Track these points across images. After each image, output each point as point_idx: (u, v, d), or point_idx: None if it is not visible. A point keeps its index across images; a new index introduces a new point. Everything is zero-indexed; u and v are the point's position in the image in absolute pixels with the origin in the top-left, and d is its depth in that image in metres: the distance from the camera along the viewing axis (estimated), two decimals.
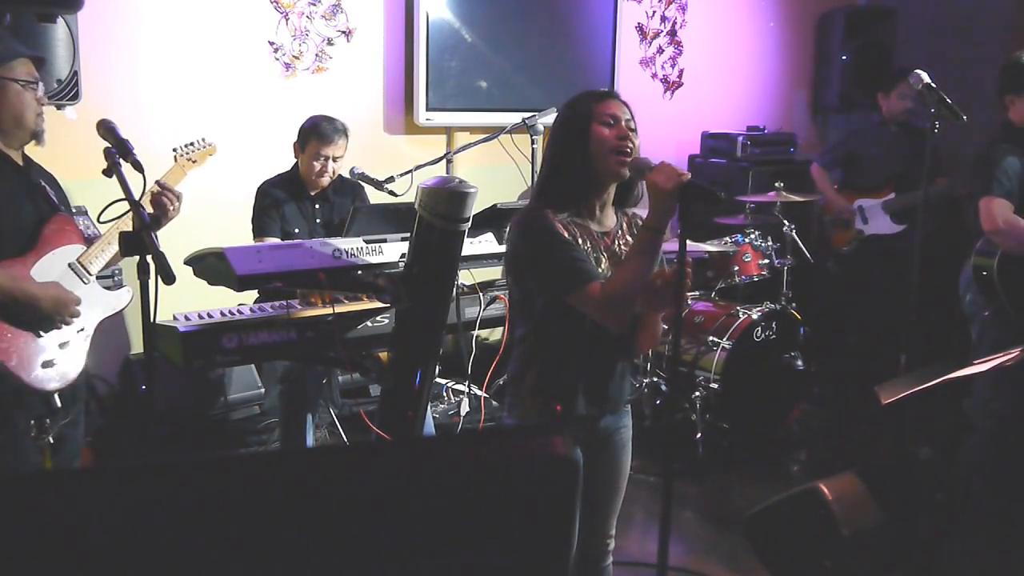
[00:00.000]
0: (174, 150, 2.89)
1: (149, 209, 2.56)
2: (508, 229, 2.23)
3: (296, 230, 3.50)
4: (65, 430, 2.53)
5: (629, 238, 2.19)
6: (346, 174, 3.70)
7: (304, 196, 3.58)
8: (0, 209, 2.37)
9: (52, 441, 2.47)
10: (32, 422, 2.41)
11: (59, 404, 2.46)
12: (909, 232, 4.83)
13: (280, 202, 3.52)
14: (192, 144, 2.93)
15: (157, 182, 2.63)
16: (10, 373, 2.32)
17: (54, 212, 2.53)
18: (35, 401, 2.42)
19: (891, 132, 4.92)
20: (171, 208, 2.60)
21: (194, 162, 2.91)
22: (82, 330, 2.51)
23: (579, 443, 2.15)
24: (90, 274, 2.54)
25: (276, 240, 3.42)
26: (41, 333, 2.40)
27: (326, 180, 3.55)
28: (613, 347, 2.15)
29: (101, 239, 2.57)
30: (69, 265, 2.50)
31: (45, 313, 2.39)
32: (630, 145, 2.06)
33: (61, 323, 2.44)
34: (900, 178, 4.84)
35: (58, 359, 2.44)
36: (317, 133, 3.49)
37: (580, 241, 2.07)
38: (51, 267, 2.46)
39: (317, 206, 3.59)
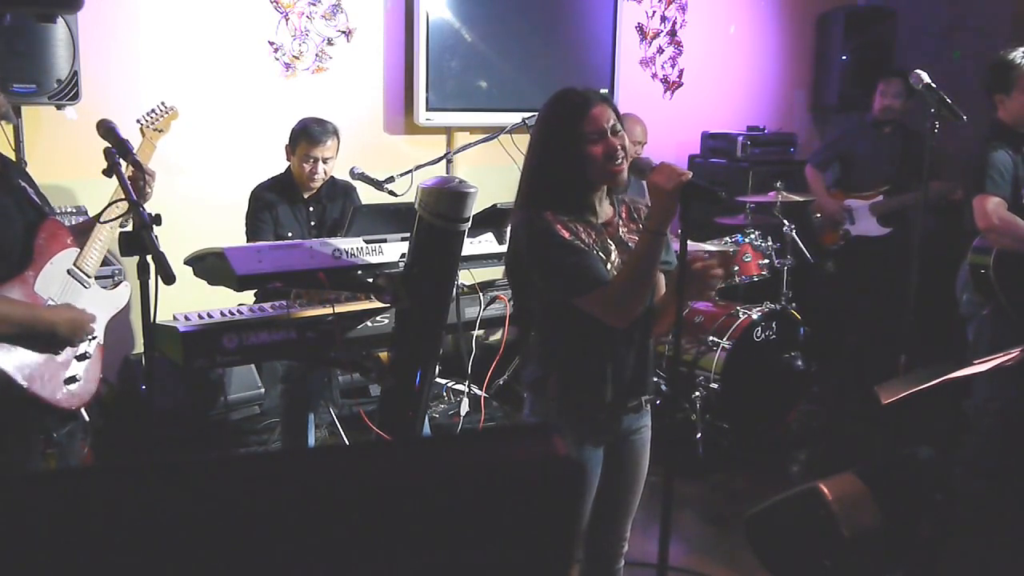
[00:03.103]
0: (138, 121, 2.78)
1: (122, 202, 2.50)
2: (509, 234, 2.23)
3: (289, 233, 3.51)
4: (63, 437, 2.51)
5: (631, 224, 2.19)
6: (346, 174, 3.70)
7: (297, 199, 3.58)
8: None
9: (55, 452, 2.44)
10: (42, 437, 2.37)
11: (87, 418, 2.42)
12: (895, 235, 4.84)
13: (273, 204, 3.53)
14: (153, 112, 2.82)
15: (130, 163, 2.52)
16: (36, 396, 2.27)
17: (41, 217, 2.40)
18: (53, 417, 2.36)
19: (883, 133, 4.93)
20: (148, 191, 2.46)
21: (160, 131, 2.79)
22: (94, 338, 2.46)
23: (600, 444, 2.18)
24: (89, 277, 2.47)
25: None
26: (59, 352, 2.35)
27: (318, 182, 3.56)
28: (632, 336, 2.15)
29: (91, 237, 2.49)
30: (68, 272, 2.42)
31: (64, 338, 2.32)
32: (620, 155, 2.06)
33: (79, 343, 2.38)
34: (891, 181, 4.84)
35: (80, 373, 2.40)
36: (306, 135, 3.49)
37: (584, 237, 2.07)
38: (52, 278, 2.37)
39: (311, 208, 3.60)
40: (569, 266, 2.03)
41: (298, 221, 3.56)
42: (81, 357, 2.41)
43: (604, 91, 2.19)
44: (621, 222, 2.19)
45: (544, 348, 2.18)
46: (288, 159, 3.60)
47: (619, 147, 2.05)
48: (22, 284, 2.30)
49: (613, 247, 2.12)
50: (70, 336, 2.33)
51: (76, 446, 2.61)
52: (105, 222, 2.47)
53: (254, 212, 3.53)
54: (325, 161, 3.53)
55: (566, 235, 2.04)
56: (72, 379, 2.37)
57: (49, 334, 2.29)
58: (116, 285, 2.70)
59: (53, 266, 2.38)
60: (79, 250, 2.47)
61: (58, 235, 2.44)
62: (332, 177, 3.62)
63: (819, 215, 5.11)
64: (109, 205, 2.37)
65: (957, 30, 5.84)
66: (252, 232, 3.51)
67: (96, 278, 2.55)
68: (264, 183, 3.60)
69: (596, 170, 2.05)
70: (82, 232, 2.52)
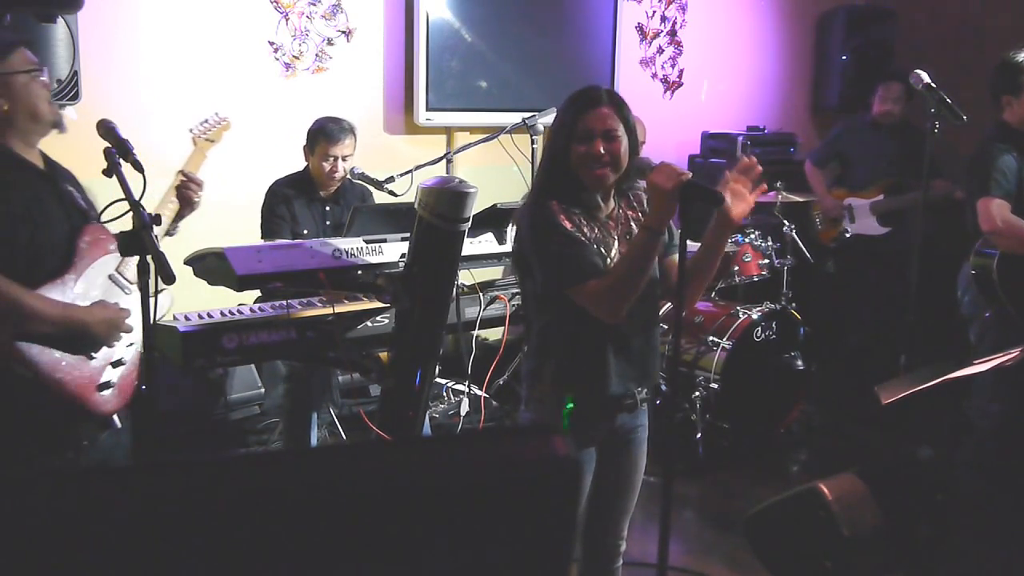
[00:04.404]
0: (190, 130, 2.82)
1: (172, 204, 2.53)
2: (515, 221, 2.25)
3: (305, 231, 3.51)
4: (111, 438, 2.48)
5: (630, 212, 2.20)
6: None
7: (314, 197, 3.60)
8: (34, 224, 2.23)
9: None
10: (73, 444, 2.35)
11: (119, 424, 2.39)
12: (895, 235, 4.83)
13: (290, 199, 3.54)
14: (207, 121, 2.85)
15: (181, 172, 2.58)
16: (68, 400, 2.25)
17: (85, 221, 2.38)
18: (89, 424, 2.34)
19: (882, 133, 4.92)
20: (196, 199, 2.54)
21: (212, 141, 2.82)
22: (131, 344, 2.43)
23: (593, 443, 2.18)
24: (131, 283, 2.41)
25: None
26: (93, 355, 2.32)
27: (338, 180, 3.58)
28: (632, 333, 2.15)
29: None
30: (109, 277, 2.39)
31: (98, 338, 2.30)
32: (605, 158, 2.06)
33: (115, 342, 2.35)
34: (891, 180, 4.84)
35: (115, 379, 2.37)
36: (324, 134, 3.52)
37: (587, 229, 2.09)
38: (93, 282, 2.34)
39: (327, 208, 3.61)
40: (565, 256, 2.04)
41: (314, 219, 3.58)
42: (116, 363, 2.38)
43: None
44: (622, 213, 2.19)
45: (541, 339, 2.19)
46: (306, 159, 3.62)
47: (603, 153, 2.06)
48: (62, 287, 2.27)
49: (615, 242, 2.13)
50: (105, 335, 2.31)
51: (118, 456, 2.58)
52: (105, 222, 2.45)
53: (271, 207, 3.54)
54: (344, 159, 3.55)
55: (568, 225, 2.06)
56: (106, 384, 2.35)
57: (82, 333, 2.26)
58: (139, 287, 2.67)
59: (94, 270, 2.35)
60: (121, 255, 2.44)
61: (101, 240, 2.40)
62: (349, 179, 3.63)
63: (818, 212, 5.11)
64: (109, 205, 2.36)
65: (957, 30, 5.84)
66: (268, 228, 3.52)
67: None
68: (282, 179, 3.62)
69: (579, 169, 2.08)
70: None
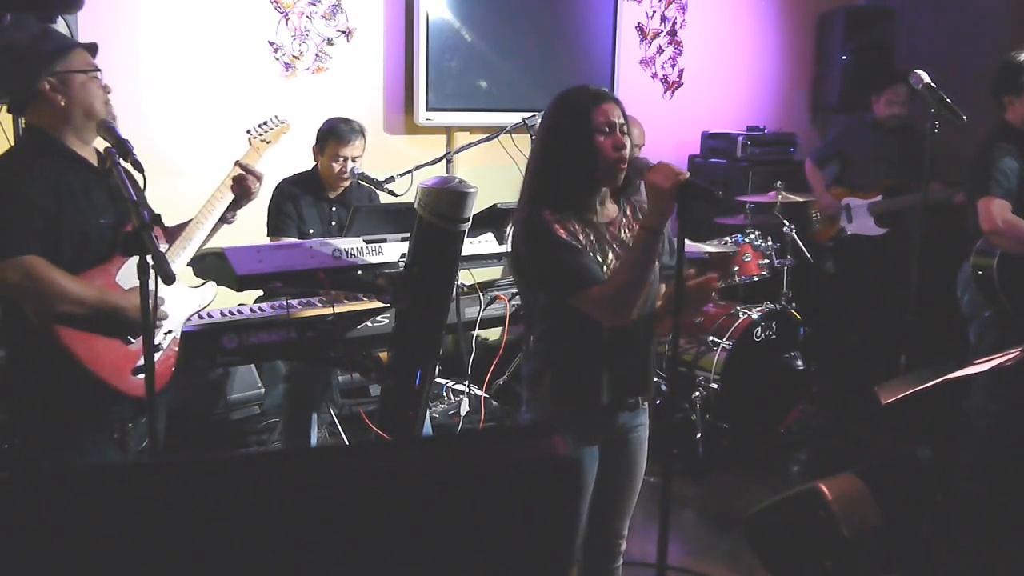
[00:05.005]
0: (248, 131, 2.87)
1: (227, 195, 2.57)
2: (511, 232, 2.23)
3: (311, 230, 3.52)
4: (140, 428, 2.50)
5: (635, 225, 2.18)
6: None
7: (322, 197, 3.61)
8: (83, 217, 2.30)
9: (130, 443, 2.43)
10: (116, 424, 2.37)
11: None
12: (892, 235, 4.83)
13: (297, 197, 3.55)
14: (266, 123, 2.92)
15: (238, 163, 2.65)
16: (102, 381, 2.28)
17: None
18: (125, 406, 2.37)
19: (883, 134, 4.91)
20: (254, 190, 2.62)
21: (268, 142, 2.88)
22: (170, 332, 2.46)
23: (596, 442, 2.18)
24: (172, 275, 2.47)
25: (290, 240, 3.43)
26: (131, 339, 2.34)
27: (347, 180, 3.58)
28: (633, 337, 2.15)
29: (182, 236, 2.51)
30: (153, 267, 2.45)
31: (132, 322, 2.32)
32: (626, 152, 2.06)
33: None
34: (890, 181, 4.84)
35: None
36: (335, 134, 3.53)
37: (583, 237, 2.07)
38: (135, 271, 2.35)
39: (333, 208, 3.62)
40: (563, 264, 2.03)
41: (320, 219, 3.59)
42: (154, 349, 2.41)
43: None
44: (626, 221, 2.19)
45: (541, 345, 2.18)
46: (316, 159, 3.63)
47: (625, 144, 2.06)
48: (104, 274, 2.33)
49: (612, 248, 2.12)
50: (139, 320, 2.31)
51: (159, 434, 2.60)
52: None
53: (277, 205, 3.55)
54: (354, 160, 3.57)
55: (563, 234, 2.05)
56: (141, 369, 2.36)
57: (116, 317, 2.30)
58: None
59: (138, 259, 2.39)
60: (168, 246, 2.49)
61: None
62: (358, 182, 3.64)
63: (816, 211, 5.11)
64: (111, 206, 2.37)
65: (957, 30, 5.84)
66: (274, 225, 3.53)
67: None
68: (290, 178, 3.63)
69: (602, 163, 2.05)
70: (178, 233, 2.56)
